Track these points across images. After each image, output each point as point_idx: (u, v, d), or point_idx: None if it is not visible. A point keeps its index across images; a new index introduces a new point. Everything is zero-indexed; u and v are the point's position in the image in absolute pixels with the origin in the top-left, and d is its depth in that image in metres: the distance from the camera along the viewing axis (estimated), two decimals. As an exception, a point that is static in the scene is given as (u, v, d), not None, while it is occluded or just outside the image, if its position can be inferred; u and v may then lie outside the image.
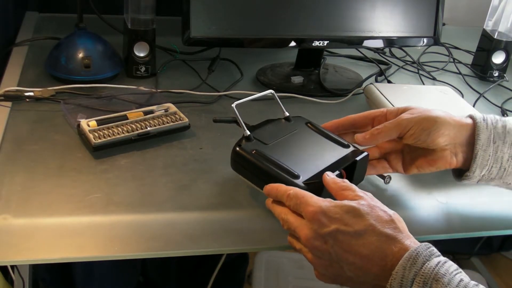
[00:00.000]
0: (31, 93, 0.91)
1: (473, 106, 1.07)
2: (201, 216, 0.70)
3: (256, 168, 0.68)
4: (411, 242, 0.55)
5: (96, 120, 0.82)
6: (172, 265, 1.51)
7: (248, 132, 0.71)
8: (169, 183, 0.75)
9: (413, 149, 0.74)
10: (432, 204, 0.77)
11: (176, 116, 0.87)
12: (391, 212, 0.59)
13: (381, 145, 0.77)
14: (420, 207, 0.76)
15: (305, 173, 0.67)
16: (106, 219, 0.67)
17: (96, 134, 0.79)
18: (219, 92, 1.01)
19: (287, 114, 0.77)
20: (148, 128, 0.83)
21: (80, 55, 0.97)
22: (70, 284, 1.34)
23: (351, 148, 0.74)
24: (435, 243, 0.57)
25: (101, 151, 0.78)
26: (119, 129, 0.81)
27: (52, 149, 0.79)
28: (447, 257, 0.55)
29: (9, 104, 0.89)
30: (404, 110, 0.74)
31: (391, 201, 0.77)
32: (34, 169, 0.74)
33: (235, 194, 0.74)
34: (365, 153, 0.73)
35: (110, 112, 0.85)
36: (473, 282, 0.52)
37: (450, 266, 0.53)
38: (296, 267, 1.68)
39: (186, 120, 0.86)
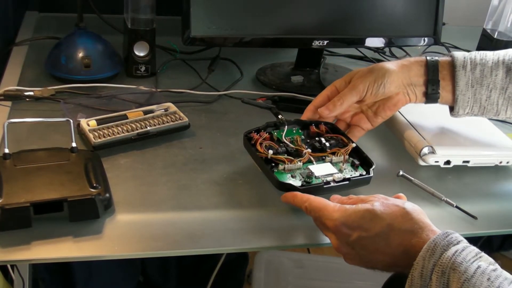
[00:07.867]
0: (31, 93, 0.91)
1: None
2: (201, 216, 0.70)
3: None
4: (429, 232, 0.58)
5: (96, 120, 0.82)
6: (172, 265, 1.51)
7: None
8: (169, 183, 0.75)
9: (371, 104, 0.83)
10: (433, 203, 0.77)
11: (176, 115, 0.87)
12: (404, 204, 0.61)
13: (343, 116, 0.84)
14: (420, 206, 0.76)
15: None
16: (105, 219, 0.67)
17: (96, 134, 0.79)
18: (219, 91, 1.01)
19: None
20: (148, 128, 0.83)
21: (80, 54, 0.97)
22: (70, 284, 1.34)
23: None
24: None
25: (101, 150, 0.78)
26: (119, 128, 0.81)
27: (52, 148, 0.79)
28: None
29: (9, 103, 0.89)
30: (350, 76, 0.82)
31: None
32: (34, 169, 0.74)
33: (235, 194, 0.74)
34: None
35: (110, 112, 0.85)
36: (491, 267, 0.53)
37: (468, 253, 0.54)
38: (296, 267, 1.68)
39: (186, 119, 0.86)
